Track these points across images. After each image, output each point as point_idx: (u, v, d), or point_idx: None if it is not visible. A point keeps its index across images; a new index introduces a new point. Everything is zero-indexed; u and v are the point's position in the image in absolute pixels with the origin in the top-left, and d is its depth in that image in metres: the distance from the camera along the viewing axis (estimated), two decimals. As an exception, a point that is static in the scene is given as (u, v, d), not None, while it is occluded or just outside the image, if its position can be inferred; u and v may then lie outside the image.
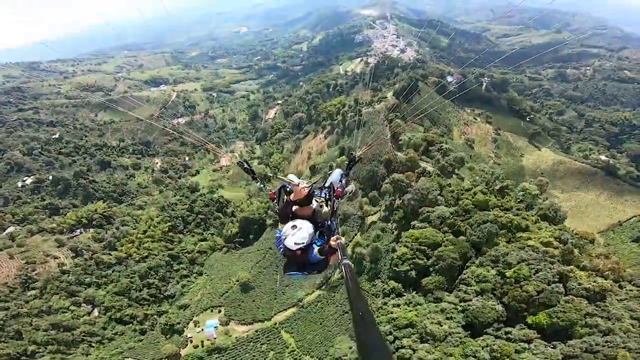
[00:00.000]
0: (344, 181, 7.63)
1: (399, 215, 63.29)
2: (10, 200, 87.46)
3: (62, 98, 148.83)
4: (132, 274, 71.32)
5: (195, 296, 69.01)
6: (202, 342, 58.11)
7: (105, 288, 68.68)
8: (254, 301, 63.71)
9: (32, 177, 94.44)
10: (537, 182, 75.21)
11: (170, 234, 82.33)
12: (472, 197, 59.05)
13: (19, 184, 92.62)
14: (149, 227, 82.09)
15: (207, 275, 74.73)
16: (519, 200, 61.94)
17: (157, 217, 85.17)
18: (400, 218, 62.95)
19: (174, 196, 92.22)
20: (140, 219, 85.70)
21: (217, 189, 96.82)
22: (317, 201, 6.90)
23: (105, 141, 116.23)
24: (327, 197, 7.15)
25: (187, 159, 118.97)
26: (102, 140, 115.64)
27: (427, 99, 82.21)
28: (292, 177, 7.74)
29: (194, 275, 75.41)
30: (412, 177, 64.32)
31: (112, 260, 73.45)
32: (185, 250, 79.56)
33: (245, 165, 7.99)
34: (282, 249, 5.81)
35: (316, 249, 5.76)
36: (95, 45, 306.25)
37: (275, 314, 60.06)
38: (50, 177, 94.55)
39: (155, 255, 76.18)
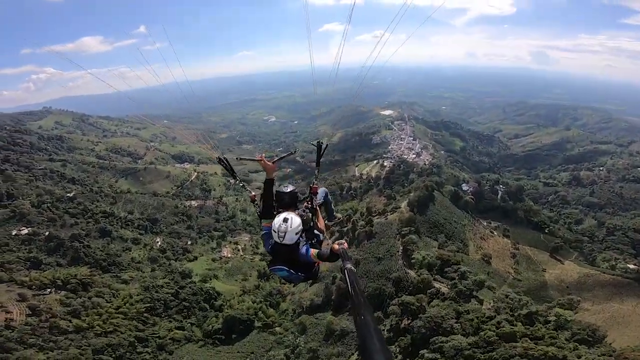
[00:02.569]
0: (328, 198, 7.73)
1: (405, 341, 54.62)
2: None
3: (93, 156, 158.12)
4: (85, 346, 62.55)
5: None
6: None
7: (47, 354, 59.47)
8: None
9: (29, 229, 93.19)
10: (566, 301, 67.23)
11: (146, 314, 75.37)
12: (497, 328, 51.24)
13: (13, 232, 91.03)
14: (125, 304, 75.72)
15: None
16: (549, 324, 53.99)
17: (137, 295, 78.86)
18: (408, 345, 54.17)
19: (163, 278, 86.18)
20: (119, 293, 79.52)
21: (211, 279, 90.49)
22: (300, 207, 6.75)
23: (115, 210, 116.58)
24: (310, 206, 6.93)
25: (189, 242, 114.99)
26: (111, 209, 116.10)
27: (442, 210, 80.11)
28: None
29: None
30: (424, 300, 57.29)
31: (70, 328, 65.85)
32: (157, 335, 71.33)
33: (225, 163, 7.32)
34: (270, 247, 5.76)
35: (312, 251, 5.47)
36: (144, 109, 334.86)
37: None
38: (47, 234, 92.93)
39: (122, 333, 68.21)
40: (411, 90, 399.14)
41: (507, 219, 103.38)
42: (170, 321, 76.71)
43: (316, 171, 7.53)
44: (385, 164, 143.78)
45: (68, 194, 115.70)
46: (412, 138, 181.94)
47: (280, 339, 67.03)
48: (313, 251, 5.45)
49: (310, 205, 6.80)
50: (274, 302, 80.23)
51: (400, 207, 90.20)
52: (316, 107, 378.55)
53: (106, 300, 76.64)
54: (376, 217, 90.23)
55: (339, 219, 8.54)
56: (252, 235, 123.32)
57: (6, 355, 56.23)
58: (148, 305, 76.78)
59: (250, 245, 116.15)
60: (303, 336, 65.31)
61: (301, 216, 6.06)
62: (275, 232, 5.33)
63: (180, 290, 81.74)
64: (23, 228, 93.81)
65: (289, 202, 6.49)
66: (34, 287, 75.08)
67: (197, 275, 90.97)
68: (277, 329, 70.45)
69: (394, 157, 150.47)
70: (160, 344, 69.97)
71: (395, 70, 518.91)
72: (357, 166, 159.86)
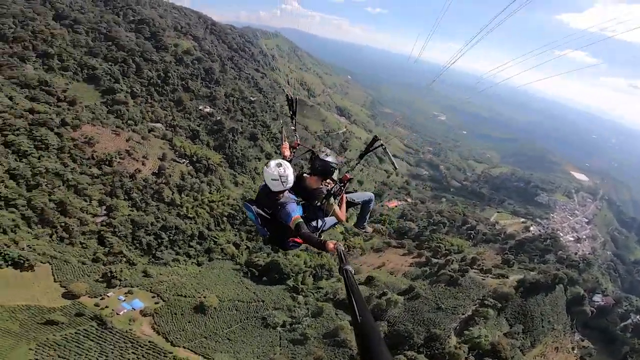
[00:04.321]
0: (370, 205, 6.87)
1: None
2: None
3: (283, 79, 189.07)
4: (162, 219, 77.87)
5: (168, 276, 69.05)
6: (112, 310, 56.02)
7: (132, 210, 77.99)
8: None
9: (210, 109, 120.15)
10: None
11: (225, 218, 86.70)
12: None
13: (200, 107, 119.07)
14: (218, 201, 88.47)
15: (200, 269, 74.93)
16: None
17: (233, 199, 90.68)
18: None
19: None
20: (224, 191, 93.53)
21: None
22: (327, 184, 5.96)
23: (272, 125, 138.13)
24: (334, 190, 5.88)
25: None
26: (270, 122, 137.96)
27: (548, 305, 61.28)
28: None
29: (191, 261, 77.10)
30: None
31: (167, 199, 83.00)
32: (215, 239, 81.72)
33: (293, 104, 7.01)
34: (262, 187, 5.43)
35: (296, 217, 4.77)
36: (339, 61, 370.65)
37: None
38: (218, 118, 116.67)
39: (195, 224, 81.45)
40: (633, 165, 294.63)
41: (607, 347, 74.68)
42: (235, 234, 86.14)
43: (357, 162, 6.54)
44: (531, 228, 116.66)
45: (251, 97, 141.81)
46: (586, 222, 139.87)
47: (293, 306, 65.59)
48: (297, 219, 4.79)
49: (334, 189, 5.87)
50: (318, 274, 78.39)
51: (507, 278, 74.53)
52: (495, 128, 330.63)
53: (209, 191, 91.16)
54: (475, 271, 76.95)
55: (366, 231, 7.61)
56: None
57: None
58: (231, 212, 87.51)
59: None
60: (312, 319, 62.87)
61: (318, 188, 5.75)
62: (265, 170, 5.12)
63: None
64: (207, 107, 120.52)
65: (319, 171, 5.82)
66: (177, 152, 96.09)
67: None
68: (300, 297, 68.66)
69: (546, 227, 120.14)
70: (209, 248, 79.72)
71: (628, 134, 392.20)
72: (498, 212, 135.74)
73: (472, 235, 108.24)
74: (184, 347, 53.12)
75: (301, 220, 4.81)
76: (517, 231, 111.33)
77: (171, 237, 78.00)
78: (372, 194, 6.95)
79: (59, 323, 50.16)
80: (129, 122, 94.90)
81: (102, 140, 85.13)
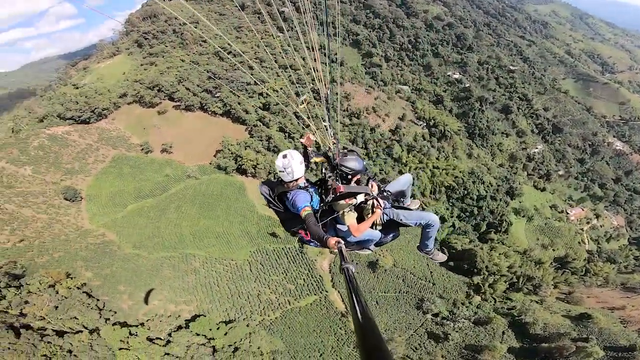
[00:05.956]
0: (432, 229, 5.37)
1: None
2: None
3: (562, 50, 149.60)
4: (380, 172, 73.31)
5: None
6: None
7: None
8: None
9: (459, 75, 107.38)
10: None
11: None
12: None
13: (448, 73, 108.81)
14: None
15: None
16: None
17: None
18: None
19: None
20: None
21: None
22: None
23: (536, 102, 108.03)
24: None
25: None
26: (532, 96, 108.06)
27: None
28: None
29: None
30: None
31: None
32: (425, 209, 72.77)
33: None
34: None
35: (306, 209, 4.47)
36: None
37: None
38: (467, 86, 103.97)
39: None
40: None
41: None
42: (447, 209, 77.79)
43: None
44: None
45: (511, 66, 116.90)
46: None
47: (461, 303, 56.41)
48: (306, 210, 4.46)
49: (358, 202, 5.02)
50: (517, 285, 63.08)
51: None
52: None
53: (437, 156, 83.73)
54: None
55: (434, 258, 5.67)
56: None
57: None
58: (452, 184, 74.80)
59: None
60: (471, 325, 51.89)
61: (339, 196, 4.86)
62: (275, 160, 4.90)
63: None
64: (456, 73, 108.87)
65: (338, 175, 5.08)
66: (416, 114, 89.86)
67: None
68: (476, 298, 58.46)
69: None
70: None
71: None
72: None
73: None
74: (338, 292, 52.93)
75: (310, 211, 4.50)
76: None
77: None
78: (436, 217, 5.29)
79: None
80: (380, 82, 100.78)
81: (356, 97, 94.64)
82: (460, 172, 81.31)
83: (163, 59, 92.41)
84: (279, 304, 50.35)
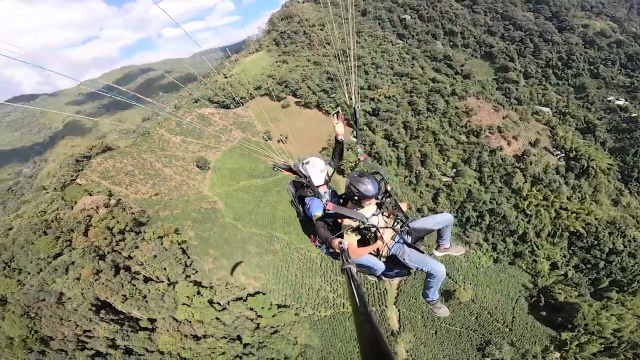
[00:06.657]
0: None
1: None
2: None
3: None
4: (491, 200, 60.90)
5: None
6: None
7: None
8: None
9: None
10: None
11: None
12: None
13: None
14: None
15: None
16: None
17: None
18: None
19: None
20: None
21: None
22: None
23: None
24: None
25: None
26: None
27: None
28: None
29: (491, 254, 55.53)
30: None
31: None
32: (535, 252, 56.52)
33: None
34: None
35: (317, 214, 4.63)
36: None
37: None
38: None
39: (527, 222, 60.72)
40: None
41: None
42: (564, 256, 65.47)
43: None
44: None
45: None
46: None
47: (533, 356, 49.50)
48: (318, 216, 4.63)
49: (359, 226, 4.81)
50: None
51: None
52: None
53: (569, 196, 69.66)
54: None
55: (436, 313, 5.51)
56: None
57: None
58: (580, 231, 60.80)
59: None
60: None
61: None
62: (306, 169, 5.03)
63: None
64: (620, 99, 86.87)
65: (347, 194, 4.96)
66: (554, 142, 75.14)
67: None
68: (554, 355, 50.39)
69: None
70: (520, 252, 64.79)
71: None
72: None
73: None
74: (398, 310, 52.09)
75: (321, 216, 4.61)
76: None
77: (491, 222, 68.18)
78: (442, 268, 4.91)
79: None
80: (513, 100, 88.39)
81: (479, 113, 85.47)
82: (595, 219, 64.88)
83: (293, 57, 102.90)
84: (334, 304, 50.51)
